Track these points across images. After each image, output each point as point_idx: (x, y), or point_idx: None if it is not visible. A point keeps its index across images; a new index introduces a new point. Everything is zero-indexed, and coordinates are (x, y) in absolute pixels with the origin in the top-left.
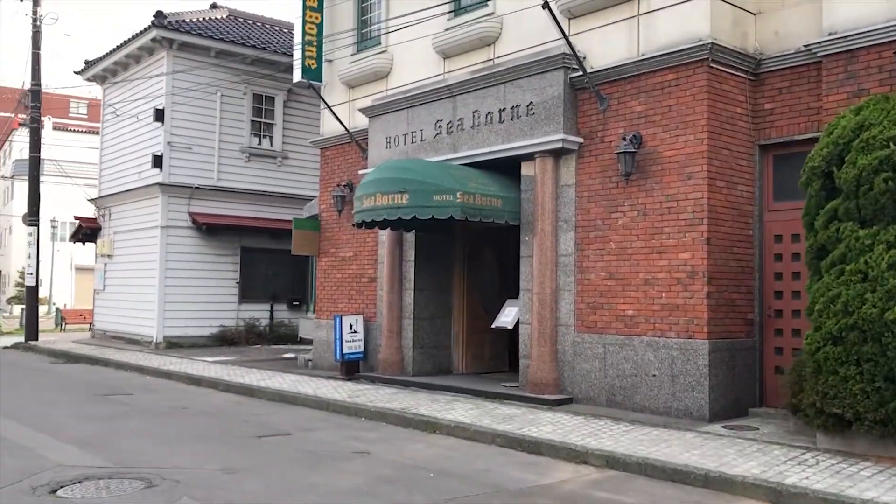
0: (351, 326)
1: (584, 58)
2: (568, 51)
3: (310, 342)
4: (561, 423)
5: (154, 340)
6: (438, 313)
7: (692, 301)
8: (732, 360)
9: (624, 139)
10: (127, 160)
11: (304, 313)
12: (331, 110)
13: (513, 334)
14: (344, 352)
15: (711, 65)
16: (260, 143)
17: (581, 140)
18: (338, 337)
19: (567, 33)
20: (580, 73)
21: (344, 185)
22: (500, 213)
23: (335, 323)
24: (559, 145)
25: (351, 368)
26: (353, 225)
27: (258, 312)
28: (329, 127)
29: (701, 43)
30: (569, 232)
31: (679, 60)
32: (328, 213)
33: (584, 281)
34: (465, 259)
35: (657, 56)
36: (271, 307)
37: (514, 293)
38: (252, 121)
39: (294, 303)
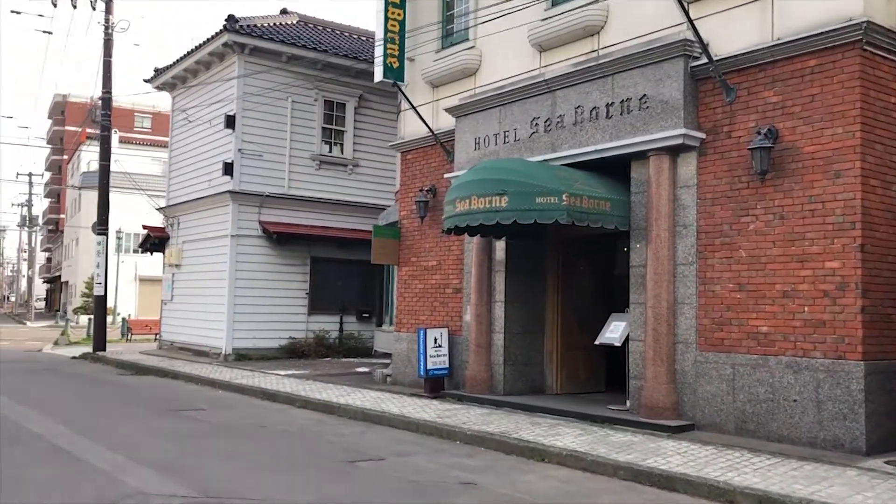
0: (435, 340)
1: (708, 44)
2: (689, 37)
3: (385, 356)
4: (689, 454)
5: (223, 352)
6: (531, 328)
7: (842, 316)
8: (892, 385)
9: (758, 133)
10: (197, 168)
11: (373, 325)
12: (415, 110)
13: (612, 352)
14: (428, 367)
15: (865, 47)
16: (331, 151)
17: (703, 136)
18: (422, 352)
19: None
20: (704, 61)
21: (427, 191)
22: (608, 217)
23: (419, 337)
24: (679, 141)
25: (435, 385)
26: (443, 231)
27: (327, 324)
28: (410, 129)
29: (853, 23)
30: (688, 238)
31: (824, 43)
32: (409, 221)
33: (708, 293)
34: (559, 269)
35: (797, 40)
36: (341, 319)
37: (613, 306)
38: (323, 128)
39: (364, 315)
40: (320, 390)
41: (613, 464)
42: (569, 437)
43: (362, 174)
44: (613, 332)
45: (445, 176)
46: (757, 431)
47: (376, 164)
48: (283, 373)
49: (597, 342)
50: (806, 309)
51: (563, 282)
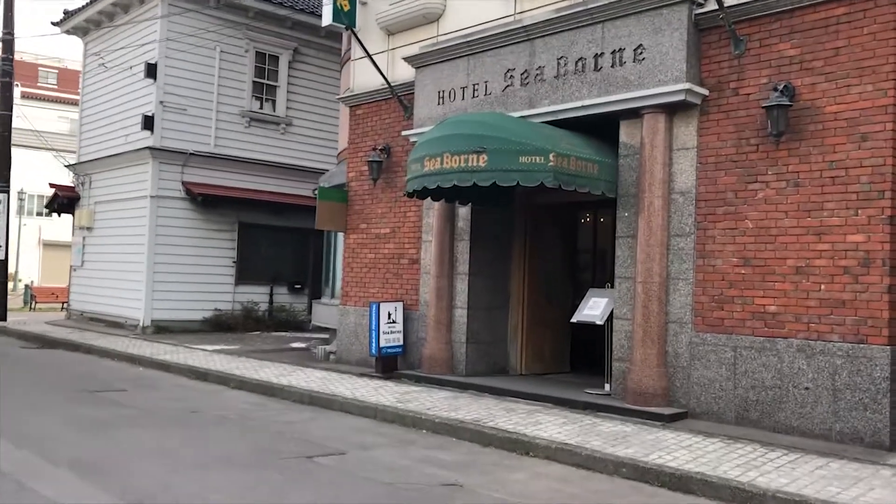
0: (389, 316)
1: None
2: None
3: (323, 331)
4: (695, 448)
5: (140, 324)
6: (495, 303)
7: (865, 296)
8: None
9: (775, 90)
10: (112, 122)
11: (306, 297)
12: (370, 58)
13: (577, 330)
14: (381, 345)
15: None
16: (262, 108)
17: (706, 92)
18: (374, 328)
19: None
20: (709, 8)
21: (380, 150)
22: (595, 181)
23: (371, 311)
24: (680, 98)
25: (388, 365)
26: (406, 194)
27: (256, 296)
28: (361, 81)
29: None
30: (686, 207)
31: None
32: (359, 183)
33: (707, 268)
34: (526, 239)
35: None
36: (271, 290)
37: (579, 279)
38: (254, 82)
39: (296, 286)
40: (256, 368)
41: (613, 459)
42: (552, 426)
43: (297, 134)
44: (593, 308)
45: (404, 133)
46: (761, 421)
47: (312, 123)
48: (210, 348)
49: (574, 320)
50: (822, 287)
51: (530, 253)
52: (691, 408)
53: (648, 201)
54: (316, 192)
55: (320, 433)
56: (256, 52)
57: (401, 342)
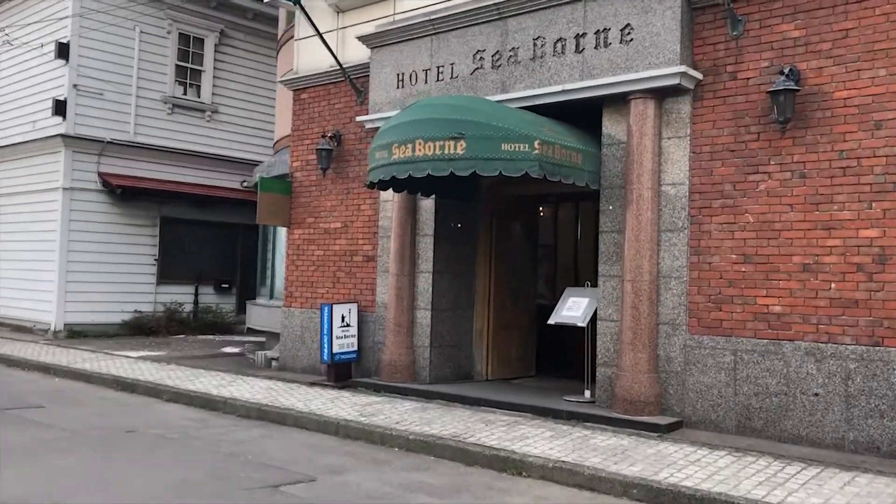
0: (343, 319)
1: None
2: None
3: (257, 333)
4: (705, 463)
5: (52, 328)
6: (460, 303)
7: (881, 295)
8: None
9: (781, 73)
10: (17, 107)
11: (233, 297)
12: (321, 37)
13: (547, 330)
14: (334, 351)
15: None
16: (186, 93)
17: (700, 76)
18: (326, 332)
19: None
20: None
21: (330, 137)
22: (580, 172)
23: (322, 314)
24: (674, 82)
25: (342, 373)
26: (367, 185)
27: (180, 296)
28: (306, 63)
29: None
30: (678, 200)
31: None
32: (304, 173)
33: (703, 265)
34: (492, 235)
35: None
36: (196, 290)
37: (545, 277)
38: (177, 66)
39: (223, 285)
40: (191, 378)
41: (621, 480)
42: (540, 440)
43: (224, 122)
44: (572, 309)
45: (358, 119)
46: (765, 430)
47: (241, 111)
48: (134, 354)
49: (552, 321)
50: (833, 286)
51: (496, 249)
52: (686, 416)
53: (637, 193)
54: (245, 184)
55: (280, 454)
56: (180, 33)
57: (355, 347)
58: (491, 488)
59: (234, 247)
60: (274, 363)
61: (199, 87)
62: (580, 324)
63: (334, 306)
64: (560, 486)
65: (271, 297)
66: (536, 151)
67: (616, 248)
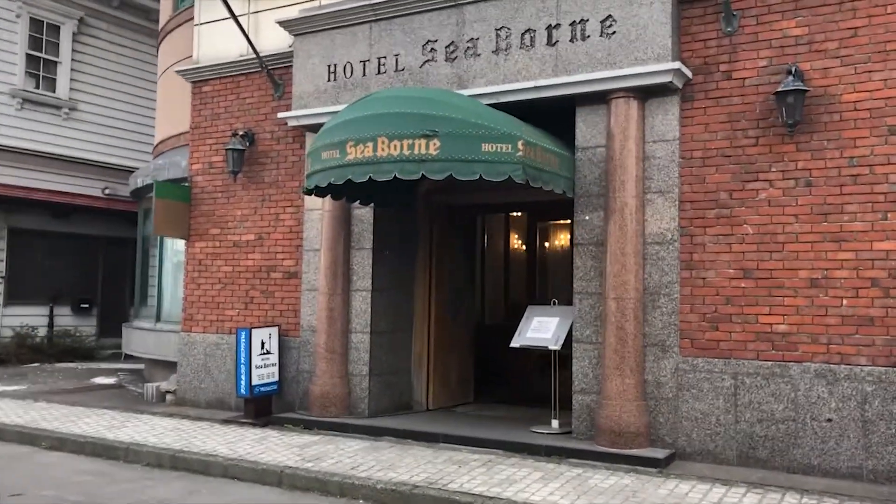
0: (263, 345)
1: None
2: None
3: (136, 360)
4: None
5: None
6: (400, 325)
7: None
8: None
9: (789, 73)
10: None
11: (94, 319)
12: (235, 20)
13: (489, 351)
14: (254, 383)
15: None
16: (39, 87)
17: (690, 75)
18: (243, 361)
19: None
20: None
21: (242, 136)
22: (557, 178)
23: (239, 340)
24: (665, 79)
25: (262, 408)
26: (305, 191)
27: (33, 318)
28: (210, 51)
29: None
30: (667, 209)
31: None
32: (207, 178)
33: (696, 281)
34: (432, 246)
35: None
36: (51, 311)
37: (485, 292)
38: (28, 55)
39: (82, 305)
40: (71, 418)
41: None
42: (532, 483)
43: (84, 121)
44: (540, 331)
45: (280, 115)
46: (771, 461)
47: (105, 108)
48: None
49: (517, 344)
50: (844, 302)
51: (437, 263)
52: (680, 447)
53: (622, 202)
54: (107, 191)
55: None
56: (31, 18)
57: (276, 378)
58: None
59: (96, 262)
60: (170, 397)
61: (54, 80)
62: (552, 347)
63: (253, 331)
64: None
65: (158, 319)
66: (520, 153)
67: (595, 263)
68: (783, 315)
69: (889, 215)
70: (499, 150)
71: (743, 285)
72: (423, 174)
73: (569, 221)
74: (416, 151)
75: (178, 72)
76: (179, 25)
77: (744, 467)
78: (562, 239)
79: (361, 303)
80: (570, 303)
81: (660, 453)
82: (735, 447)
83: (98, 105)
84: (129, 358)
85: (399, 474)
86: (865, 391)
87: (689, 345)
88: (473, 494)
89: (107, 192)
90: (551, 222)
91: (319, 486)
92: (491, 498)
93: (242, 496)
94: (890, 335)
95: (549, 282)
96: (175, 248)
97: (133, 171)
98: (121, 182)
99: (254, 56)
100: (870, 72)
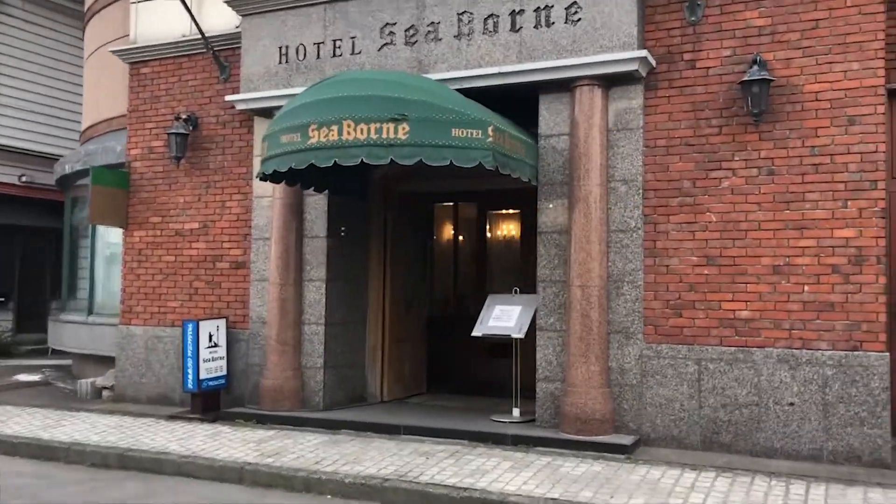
0: (210, 338)
1: None
2: None
3: (63, 356)
4: (703, 489)
5: None
6: (353, 316)
7: (858, 297)
8: None
9: (754, 63)
10: None
11: (10, 313)
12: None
13: (438, 342)
14: (202, 377)
15: None
16: None
17: (654, 64)
18: (190, 354)
19: None
20: None
21: (185, 120)
22: (524, 165)
23: (186, 333)
24: (631, 67)
25: (210, 403)
26: (260, 176)
27: None
28: (148, 30)
29: None
30: (630, 197)
31: None
32: (147, 163)
33: (660, 268)
34: (386, 235)
35: None
36: None
37: (438, 281)
38: None
39: None
40: (0, 418)
41: None
42: (503, 473)
43: None
44: (502, 319)
45: (228, 98)
46: (735, 444)
47: (20, 91)
48: None
49: (478, 333)
50: (806, 288)
51: (391, 253)
52: (644, 433)
53: (586, 191)
54: (24, 178)
55: None
56: None
57: (224, 372)
58: None
59: (12, 253)
60: (107, 393)
61: None
62: (515, 335)
63: (200, 323)
64: None
65: (90, 312)
66: (490, 139)
67: (559, 251)
68: (746, 301)
69: (849, 203)
70: (469, 135)
71: (706, 272)
72: (391, 159)
73: (518, 211)
74: (384, 136)
75: (113, 52)
76: (108, 4)
77: (708, 452)
78: (510, 229)
79: (315, 293)
80: (512, 291)
81: (626, 439)
82: (699, 432)
83: (13, 87)
84: (54, 353)
85: (366, 468)
86: (826, 375)
87: (653, 331)
88: (447, 486)
89: (24, 179)
90: (499, 212)
91: (284, 482)
92: (465, 489)
93: (204, 495)
94: (850, 320)
95: (496, 272)
96: (107, 238)
97: (53, 158)
98: (39, 169)
99: (198, 36)
100: (831, 63)
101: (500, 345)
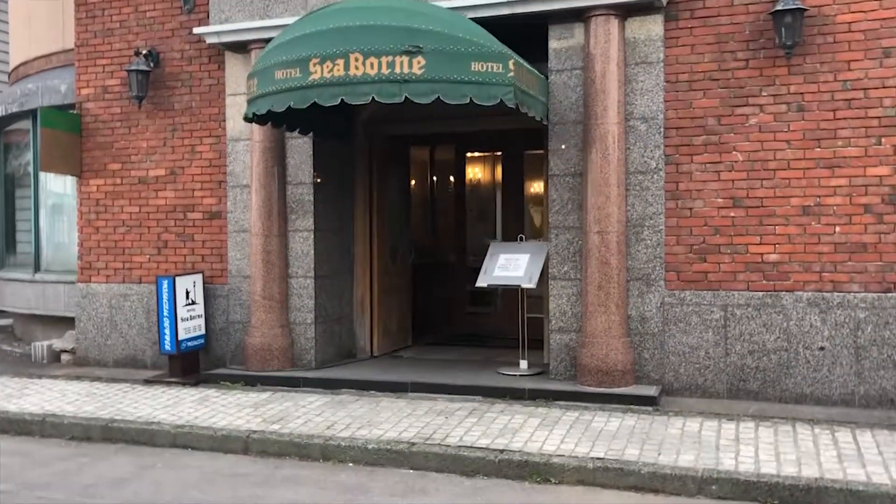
0: (187, 294)
1: None
2: None
3: (2, 315)
4: (747, 440)
5: None
6: (341, 268)
7: (892, 237)
8: None
9: None
10: None
11: None
12: None
13: (419, 293)
14: (181, 338)
15: None
16: None
17: None
18: (167, 313)
19: None
20: None
21: (145, 55)
22: (537, 102)
23: (161, 290)
24: None
25: (190, 364)
26: (248, 118)
27: None
28: None
29: None
30: (652, 136)
31: None
32: (102, 105)
33: (683, 211)
34: (372, 182)
35: None
36: None
37: (425, 231)
38: None
39: None
40: None
41: (692, 475)
42: (531, 430)
43: None
44: (508, 269)
45: (197, 31)
46: (762, 392)
47: None
48: None
49: (483, 284)
50: (837, 229)
51: (378, 201)
52: (667, 383)
53: (603, 130)
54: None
55: (208, 499)
56: None
57: (203, 331)
58: None
59: None
60: (66, 356)
61: None
62: (526, 285)
63: (177, 279)
64: (611, 491)
65: (37, 269)
66: (511, 73)
67: (572, 195)
68: (774, 244)
69: (883, 140)
70: (490, 69)
71: (732, 215)
72: (406, 97)
73: (499, 154)
74: (397, 70)
75: None
76: None
77: (734, 400)
78: (491, 173)
79: (302, 244)
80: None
81: (650, 390)
82: (725, 380)
83: None
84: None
85: (385, 431)
86: (858, 318)
87: (676, 277)
88: (481, 448)
89: None
90: (478, 154)
91: (296, 450)
92: (502, 451)
93: (207, 468)
94: (883, 261)
95: (476, 218)
96: (50, 187)
97: None
98: None
99: None
100: None
101: (481, 294)
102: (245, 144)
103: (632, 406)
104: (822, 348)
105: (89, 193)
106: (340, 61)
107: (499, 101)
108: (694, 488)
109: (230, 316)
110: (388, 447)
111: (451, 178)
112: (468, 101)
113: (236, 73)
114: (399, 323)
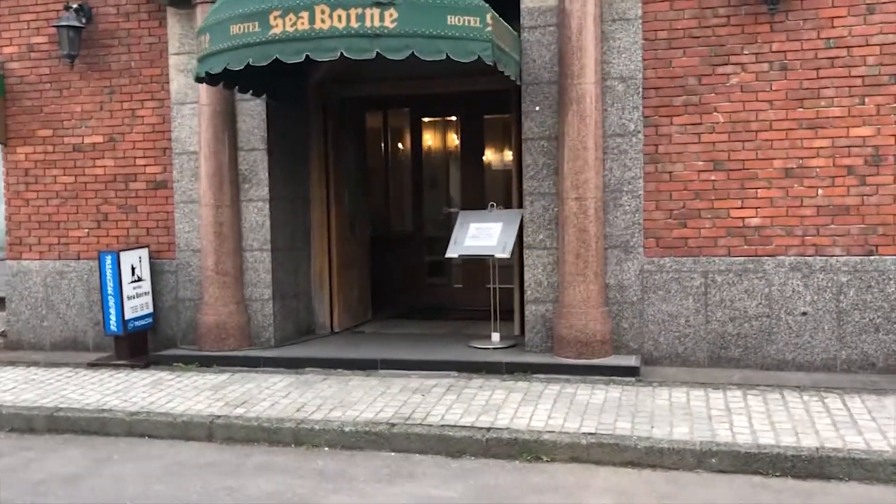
0: (133, 271)
1: None
2: None
3: None
4: (737, 409)
5: None
6: (297, 240)
7: (874, 199)
8: None
9: None
10: None
11: None
12: None
13: (376, 265)
14: (128, 318)
15: None
16: None
17: None
18: (112, 291)
19: None
20: None
21: (76, 9)
22: (510, 60)
23: (103, 266)
24: None
25: (137, 345)
26: (199, 78)
27: None
28: None
29: None
30: (629, 97)
31: None
32: (29, 65)
33: (662, 175)
34: (327, 149)
35: None
36: None
37: (377, 201)
38: None
39: None
40: None
41: (691, 448)
42: (514, 406)
43: None
44: (480, 238)
45: None
46: (744, 359)
47: None
48: None
49: (453, 254)
50: (820, 192)
51: (334, 169)
52: (646, 352)
53: (581, 90)
54: None
55: (173, 492)
56: None
57: (151, 309)
58: (532, 491)
59: None
60: None
61: None
62: (500, 255)
63: (121, 254)
64: (607, 467)
65: None
66: (489, 28)
67: (547, 160)
68: (756, 208)
69: (866, 100)
70: (466, 23)
71: (713, 178)
72: (377, 52)
73: (455, 119)
74: (367, 24)
75: None
76: None
77: (715, 368)
78: (448, 140)
79: (257, 215)
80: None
81: (631, 360)
82: (706, 348)
83: None
84: None
85: (360, 412)
86: (840, 282)
87: (655, 244)
88: (466, 427)
89: None
90: (435, 119)
91: (266, 435)
92: (489, 429)
93: (169, 458)
94: (865, 223)
95: (431, 186)
96: None
97: None
98: None
99: None
100: None
101: (440, 265)
102: (192, 108)
103: (613, 377)
104: (804, 313)
105: (17, 163)
106: (305, 14)
107: (476, 57)
108: (693, 462)
109: (179, 293)
110: (367, 429)
111: (407, 145)
112: (444, 57)
113: (180, 31)
114: (359, 297)
